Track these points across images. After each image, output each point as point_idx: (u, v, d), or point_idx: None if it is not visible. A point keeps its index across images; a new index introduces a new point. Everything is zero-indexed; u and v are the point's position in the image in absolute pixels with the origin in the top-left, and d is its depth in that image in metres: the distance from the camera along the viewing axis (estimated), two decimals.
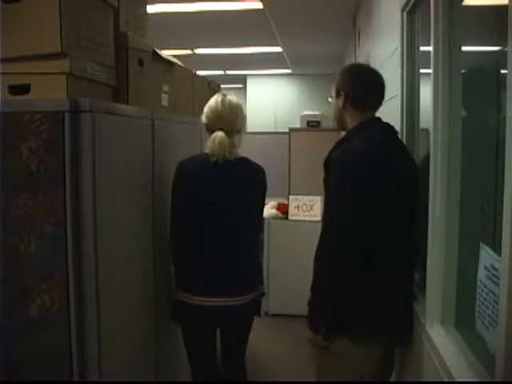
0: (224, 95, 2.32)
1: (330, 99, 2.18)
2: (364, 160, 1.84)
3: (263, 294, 2.40)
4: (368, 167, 1.83)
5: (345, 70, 2.10)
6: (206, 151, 2.22)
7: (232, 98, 2.31)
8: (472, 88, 1.73)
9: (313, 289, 1.90)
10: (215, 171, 2.18)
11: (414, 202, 2.01)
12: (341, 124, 2.08)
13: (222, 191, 2.19)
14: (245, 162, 2.29)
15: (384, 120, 2.06)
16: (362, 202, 1.82)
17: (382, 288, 1.88)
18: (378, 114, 2.05)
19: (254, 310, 2.34)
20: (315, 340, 1.92)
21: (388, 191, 1.87)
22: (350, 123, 2.03)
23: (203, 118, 2.31)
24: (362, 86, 2.03)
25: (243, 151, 3.14)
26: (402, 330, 2.00)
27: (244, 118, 2.35)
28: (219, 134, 2.20)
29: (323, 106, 9.44)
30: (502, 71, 1.18)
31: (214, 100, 2.30)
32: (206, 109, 2.31)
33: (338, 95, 2.04)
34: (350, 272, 1.83)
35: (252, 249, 2.33)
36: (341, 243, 1.82)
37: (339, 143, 2.01)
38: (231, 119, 2.25)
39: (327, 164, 1.96)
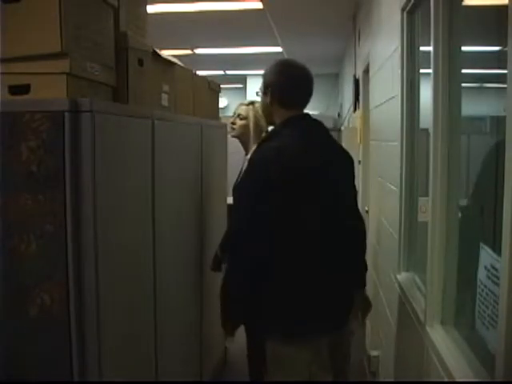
0: None
1: (258, 93, 2.16)
2: (275, 159, 1.87)
3: None
4: (278, 166, 1.87)
5: (273, 67, 2.08)
6: None
7: None
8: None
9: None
10: None
11: (342, 200, 2.05)
12: (269, 120, 2.14)
13: None
14: None
15: (384, 120, 2.07)
16: (271, 203, 1.86)
17: (304, 289, 1.90)
18: (378, 114, 2.06)
19: None
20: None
21: (302, 190, 1.90)
22: (277, 120, 2.05)
23: (263, 123, 2.78)
24: (289, 84, 2.03)
25: (242, 151, 3.15)
26: (331, 329, 2.02)
27: None
28: None
29: (323, 105, 9.44)
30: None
31: None
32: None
33: (265, 91, 2.06)
34: (253, 275, 1.88)
35: None
36: (243, 246, 1.90)
37: (263, 141, 2.06)
38: None
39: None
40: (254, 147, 2.90)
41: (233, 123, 3.04)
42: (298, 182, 1.92)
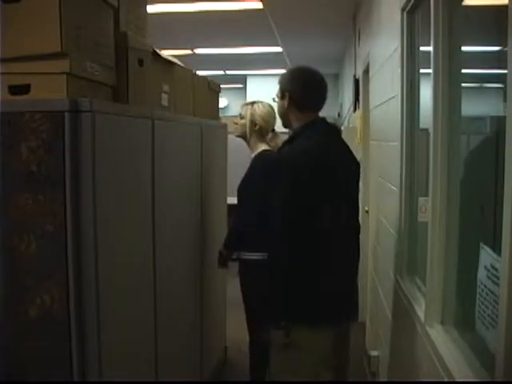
0: (267, 103, 2.99)
1: (276, 99, 2.32)
2: (305, 159, 2.02)
3: None
4: (308, 165, 2.01)
5: (290, 73, 2.26)
6: (265, 148, 2.90)
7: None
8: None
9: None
10: None
11: (355, 199, 2.23)
12: (286, 123, 2.28)
13: None
14: None
15: (384, 120, 2.08)
16: (302, 201, 1.98)
17: (320, 282, 2.00)
18: (378, 114, 2.07)
19: None
20: (276, 336, 2.07)
21: (326, 187, 2.04)
22: (295, 123, 2.21)
23: (261, 122, 2.95)
24: (306, 89, 2.19)
25: (243, 151, 3.17)
26: (344, 319, 2.17)
27: None
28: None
29: None
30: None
31: (267, 108, 2.99)
32: (265, 115, 2.96)
33: (282, 96, 2.21)
34: (291, 267, 1.98)
35: None
36: (283, 240, 2.00)
37: (286, 143, 2.22)
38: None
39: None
40: (257, 146, 2.97)
41: (235, 123, 3.11)
42: (320, 182, 2.03)
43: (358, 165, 2.32)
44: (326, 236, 2.02)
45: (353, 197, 2.25)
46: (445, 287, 1.74)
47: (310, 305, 2.01)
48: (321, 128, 2.18)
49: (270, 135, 3.04)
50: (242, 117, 3.06)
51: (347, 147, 2.30)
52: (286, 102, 2.19)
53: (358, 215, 2.31)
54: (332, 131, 2.23)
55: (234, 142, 3.42)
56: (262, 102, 3.04)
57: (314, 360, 2.06)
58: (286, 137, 2.34)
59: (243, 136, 3.05)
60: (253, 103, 3.07)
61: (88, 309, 1.54)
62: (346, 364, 2.28)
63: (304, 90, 2.18)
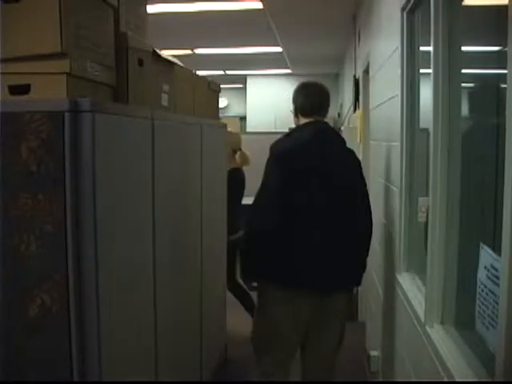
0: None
1: (291, 110, 2.73)
2: (289, 150, 2.43)
3: None
4: (293, 156, 2.40)
5: (295, 89, 2.69)
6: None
7: None
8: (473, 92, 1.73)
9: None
10: None
11: (351, 189, 2.49)
12: None
13: None
14: None
15: (384, 120, 2.09)
16: (285, 181, 2.34)
17: (294, 252, 2.36)
18: (378, 114, 2.08)
19: None
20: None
21: (304, 173, 2.37)
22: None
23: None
24: (305, 98, 2.60)
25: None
26: (318, 291, 2.41)
27: None
28: None
29: None
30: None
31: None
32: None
33: (293, 107, 2.67)
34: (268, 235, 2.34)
35: None
36: (267, 211, 2.35)
37: (278, 140, 2.57)
38: None
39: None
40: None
41: None
42: (299, 168, 2.37)
43: (356, 161, 2.59)
44: (302, 213, 2.36)
45: (349, 189, 2.47)
46: (445, 287, 1.74)
47: (283, 269, 2.37)
48: (310, 128, 2.51)
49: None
50: None
51: (342, 144, 2.58)
52: (293, 111, 2.64)
53: (361, 209, 2.53)
54: (324, 130, 2.54)
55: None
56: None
57: (283, 318, 2.39)
58: None
59: None
60: None
61: (88, 309, 1.55)
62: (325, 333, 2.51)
63: (303, 100, 2.58)
